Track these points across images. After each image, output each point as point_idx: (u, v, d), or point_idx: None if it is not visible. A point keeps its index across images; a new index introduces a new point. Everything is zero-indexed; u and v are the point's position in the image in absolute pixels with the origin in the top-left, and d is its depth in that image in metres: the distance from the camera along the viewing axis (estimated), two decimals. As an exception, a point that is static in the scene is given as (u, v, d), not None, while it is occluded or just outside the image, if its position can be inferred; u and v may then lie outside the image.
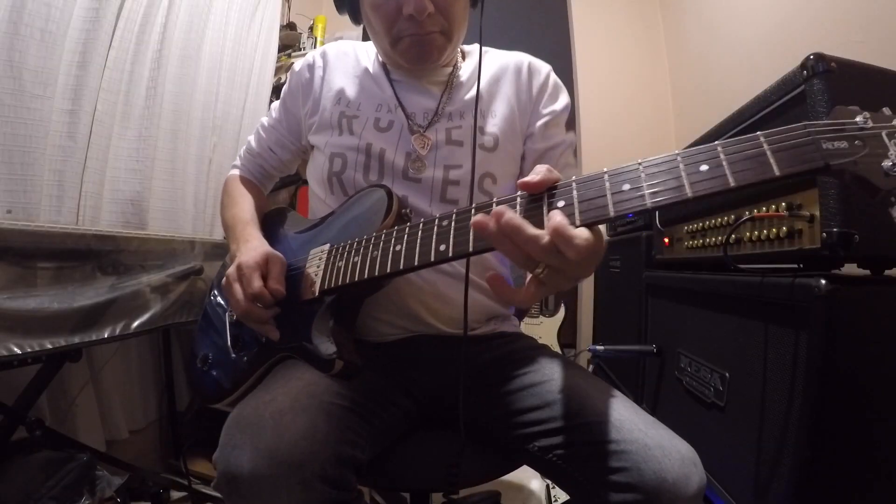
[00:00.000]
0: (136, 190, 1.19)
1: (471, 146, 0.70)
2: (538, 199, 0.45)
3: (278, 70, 1.75)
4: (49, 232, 0.87)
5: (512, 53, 0.83)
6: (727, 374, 0.79)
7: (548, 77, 0.81)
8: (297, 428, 0.49)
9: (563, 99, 0.81)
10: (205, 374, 0.72)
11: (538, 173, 0.45)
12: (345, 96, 0.77)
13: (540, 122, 0.78)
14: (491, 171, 0.74)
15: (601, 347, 1.27)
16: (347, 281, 0.57)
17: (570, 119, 0.83)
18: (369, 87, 0.77)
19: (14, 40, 0.91)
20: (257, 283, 0.61)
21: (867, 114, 0.37)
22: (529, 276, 0.45)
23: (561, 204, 0.43)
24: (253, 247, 0.67)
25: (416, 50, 0.70)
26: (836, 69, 0.62)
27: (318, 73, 0.80)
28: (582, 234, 0.40)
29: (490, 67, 0.80)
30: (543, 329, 2.54)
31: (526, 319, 2.51)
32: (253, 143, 0.88)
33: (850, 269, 0.66)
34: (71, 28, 1.01)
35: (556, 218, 0.41)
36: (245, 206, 0.80)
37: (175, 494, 1.30)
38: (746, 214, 0.75)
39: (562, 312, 2.58)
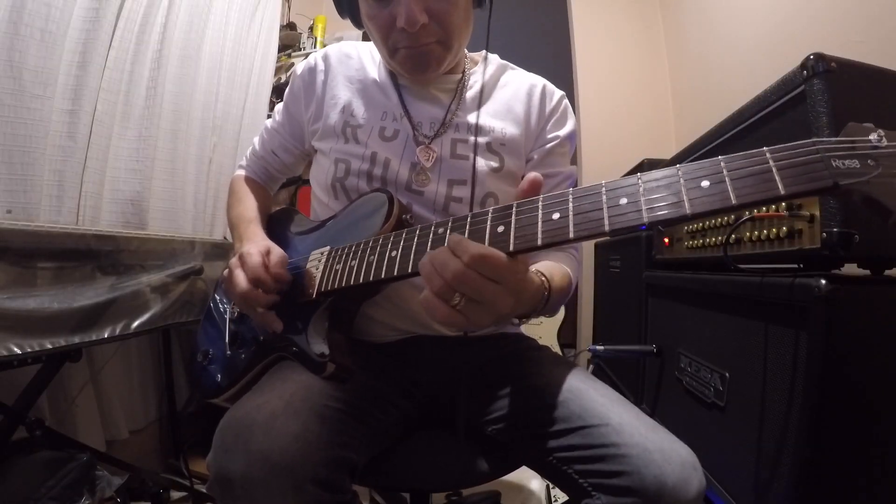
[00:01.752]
0: (136, 190, 1.19)
1: (473, 163, 0.70)
2: (533, 209, 0.44)
3: (278, 70, 1.74)
4: (49, 232, 0.87)
5: (528, 75, 0.82)
6: (727, 374, 0.79)
7: (560, 102, 0.80)
8: (289, 431, 0.49)
9: (570, 126, 0.80)
10: (204, 369, 0.73)
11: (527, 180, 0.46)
12: (349, 105, 0.76)
13: (544, 148, 0.77)
14: (494, 192, 0.73)
15: (601, 347, 1.27)
16: (343, 284, 0.57)
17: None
18: (374, 95, 0.76)
19: (14, 40, 0.91)
20: (260, 268, 0.61)
21: (882, 132, 0.35)
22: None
23: (556, 216, 0.42)
24: (256, 242, 0.68)
25: (412, 62, 0.68)
26: (836, 69, 0.62)
27: (320, 77, 0.78)
28: (479, 245, 0.42)
29: (506, 87, 0.79)
30: (543, 329, 2.54)
31: (526, 319, 2.51)
32: (257, 146, 0.88)
33: (850, 269, 0.66)
34: (71, 28, 1.01)
35: (455, 236, 0.43)
36: (249, 206, 0.81)
37: (175, 494, 1.30)
38: (746, 214, 0.75)
39: (562, 312, 2.58)
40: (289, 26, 2.05)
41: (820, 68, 0.62)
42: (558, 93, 0.81)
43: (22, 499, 0.90)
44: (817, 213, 0.62)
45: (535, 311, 0.60)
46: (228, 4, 1.47)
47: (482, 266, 0.42)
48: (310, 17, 2.05)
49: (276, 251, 0.65)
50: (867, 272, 0.66)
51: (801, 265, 0.70)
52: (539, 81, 0.81)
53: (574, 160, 2.33)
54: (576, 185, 0.80)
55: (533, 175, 0.46)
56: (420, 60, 0.68)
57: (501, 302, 0.43)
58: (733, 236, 0.79)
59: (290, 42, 1.98)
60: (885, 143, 0.34)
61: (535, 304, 0.58)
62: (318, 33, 1.99)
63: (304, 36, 2.01)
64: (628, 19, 2.39)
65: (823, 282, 0.57)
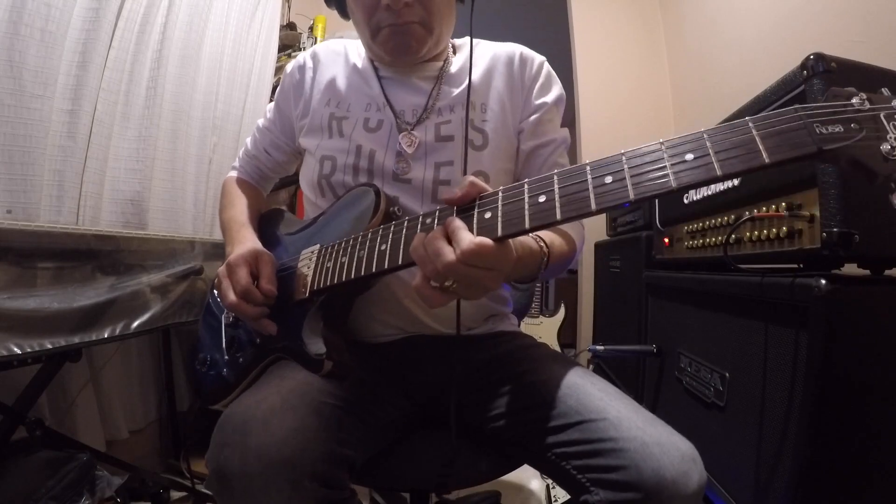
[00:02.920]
0: (136, 190, 1.19)
1: (461, 140, 0.70)
2: (519, 194, 0.45)
3: (278, 70, 1.74)
4: (49, 232, 0.87)
5: (504, 45, 0.80)
6: (727, 374, 0.79)
7: (540, 67, 0.78)
8: (286, 427, 0.49)
9: (556, 90, 0.78)
10: (204, 375, 0.73)
11: (461, 187, 0.48)
12: (334, 96, 0.76)
13: (532, 118, 0.76)
14: (483, 170, 0.72)
15: (601, 347, 1.27)
16: (336, 281, 0.57)
17: (570, 118, 0.82)
18: (358, 85, 0.76)
19: (14, 40, 0.91)
20: (245, 279, 0.61)
21: (864, 95, 0.35)
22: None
23: (542, 199, 0.43)
24: (245, 247, 0.67)
25: (395, 40, 0.69)
26: (836, 69, 0.62)
27: (309, 73, 0.79)
28: (472, 238, 0.43)
29: (482, 60, 0.78)
30: (543, 329, 2.54)
31: (526, 319, 2.52)
32: (249, 145, 0.88)
33: (851, 269, 0.66)
34: (71, 28, 1.01)
35: (455, 223, 0.45)
36: (240, 209, 0.81)
37: (175, 494, 1.30)
38: (746, 214, 0.75)
39: (562, 312, 2.58)
40: (289, 26, 2.04)
41: (820, 68, 0.62)
42: (539, 58, 0.79)
43: (22, 499, 0.90)
44: (817, 213, 0.62)
45: (532, 276, 0.62)
46: (228, 4, 1.47)
47: (474, 260, 0.43)
48: (310, 17, 2.05)
49: (265, 258, 0.65)
50: (867, 272, 0.66)
51: (802, 265, 0.70)
52: (516, 49, 0.79)
53: (574, 160, 2.33)
54: (575, 149, 0.81)
55: (445, 196, 0.49)
56: (402, 40, 0.69)
57: (492, 283, 0.46)
58: (733, 236, 0.79)
59: (290, 42, 1.98)
60: (867, 105, 0.35)
61: (534, 270, 0.60)
62: (318, 33, 1.99)
63: (304, 36, 2.01)
64: (628, 19, 2.39)
65: (823, 282, 0.57)
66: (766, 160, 0.35)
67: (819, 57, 0.63)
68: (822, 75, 0.62)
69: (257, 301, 0.61)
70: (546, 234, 0.63)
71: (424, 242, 0.46)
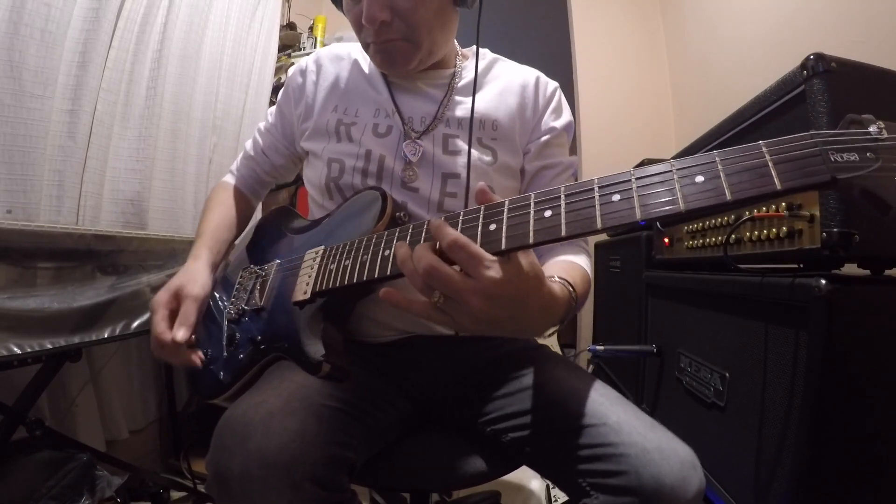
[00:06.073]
0: (136, 190, 1.19)
1: (468, 156, 0.70)
2: (525, 207, 0.44)
3: (278, 70, 1.75)
4: (49, 232, 0.87)
5: (523, 67, 0.82)
6: (727, 374, 0.79)
7: (554, 92, 0.80)
8: (286, 430, 0.49)
9: (566, 117, 0.80)
10: (202, 370, 0.73)
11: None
12: (341, 102, 0.76)
13: (540, 140, 0.77)
14: (489, 186, 0.72)
15: (601, 347, 1.27)
16: (338, 284, 0.57)
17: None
18: (366, 91, 0.76)
19: (14, 40, 0.91)
20: (161, 326, 0.67)
21: (882, 123, 0.34)
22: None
23: (548, 214, 0.42)
24: (185, 270, 0.73)
25: (380, 58, 0.70)
26: (836, 69, 0.62)
27: (311, 77, 0.79)
28: (490, 258, 0.42)
29: (498, 79, 0.79)
30: (543, 329, 2.54)
31: (526, 319, 2.51)
32: (249, 147, 0.89)
33: (851, 269, 0.66)
34: (71, 28, 1.01)
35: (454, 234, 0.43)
36: (213, 218, 0.83)
37: (175, 494, 1.30)
38: (746, 214, 0.75)
39: (562, 312, 2.57)
40: (289, 26, 2.04)
41: (820, 68, 0.62)
42: (552, 84, 0.81)
43: (22, 499, 0.90)
44: (817, 213, 0.62)
45: (562, 321, 0.55)
46: (228, 4, 1.47)
47: (457, 252, 0.42)
48: (310, 17, 2.05)
49: (189, 298, 0.70)
50: (867, 272, 0.66)
51: (801, 265, 0.70)
52: (532, 73, 0.80)
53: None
54: (576, 178, 0.81)
55: (480, 186, 0.47)
56: (387, 57, 0.69)
57: (473, 301, 0.42)
58: (733, 236, 0.79)
59: (290, 42, 1.98)
60: (885, 135, 0.33)
61: (566, 313, 0.54)
62: (318, 33, 1.99)
63: (304, 36, 2.01)
64: (628, 19, 2.39)
65: (823, 282, 0.57)
66: (778, 187, 0.34)
67: (819, 57, 0.63)
68: (822, 75, 0.62)
69: (170, 347, 0.67)
70: (567, 273, 0.59)
71: (415, 258, 0.45)
